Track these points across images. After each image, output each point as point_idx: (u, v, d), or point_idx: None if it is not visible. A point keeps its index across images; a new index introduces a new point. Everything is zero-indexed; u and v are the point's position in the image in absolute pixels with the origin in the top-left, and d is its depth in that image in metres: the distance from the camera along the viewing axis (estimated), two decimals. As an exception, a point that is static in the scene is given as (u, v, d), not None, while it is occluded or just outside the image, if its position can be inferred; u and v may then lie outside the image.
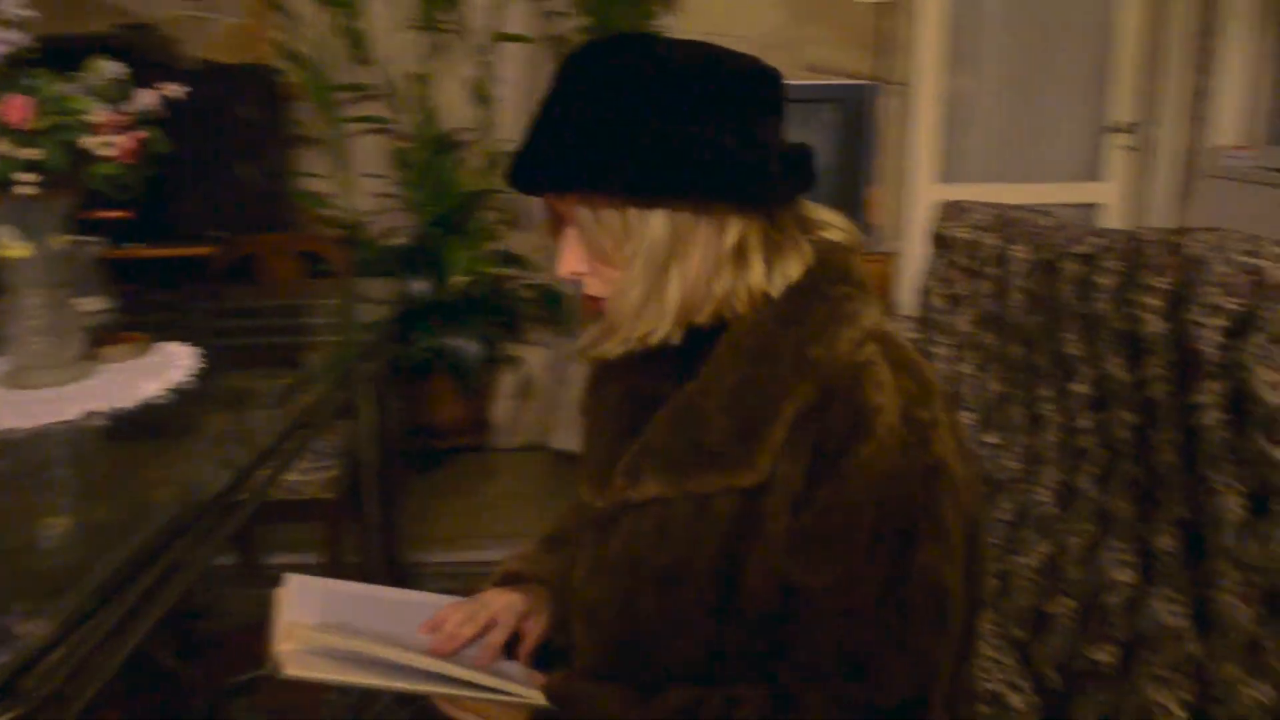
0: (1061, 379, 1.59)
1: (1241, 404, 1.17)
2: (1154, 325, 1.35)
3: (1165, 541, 1.26)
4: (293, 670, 0.86)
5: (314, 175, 3.41)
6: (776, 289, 0.91)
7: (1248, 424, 1.14)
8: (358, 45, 3.35)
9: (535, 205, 3.53)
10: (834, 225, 0.96)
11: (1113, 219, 3.82)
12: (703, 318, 0.93)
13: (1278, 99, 3.38)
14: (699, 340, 0.93)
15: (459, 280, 3.19)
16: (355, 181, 3.47)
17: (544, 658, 1.06)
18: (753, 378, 0.88)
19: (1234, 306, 1.22)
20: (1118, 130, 3.75)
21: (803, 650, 0.86)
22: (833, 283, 0.92)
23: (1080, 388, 1.54)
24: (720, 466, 0.87)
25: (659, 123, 0.86)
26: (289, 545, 2.59)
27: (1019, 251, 1.87)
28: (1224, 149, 3.45)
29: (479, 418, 3.65)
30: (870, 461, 0.83)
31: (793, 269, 0.92)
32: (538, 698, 0.91)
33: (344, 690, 1.08)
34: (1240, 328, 1.19)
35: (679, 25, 3.28)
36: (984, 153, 3.78)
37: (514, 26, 3.40)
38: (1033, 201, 3.82)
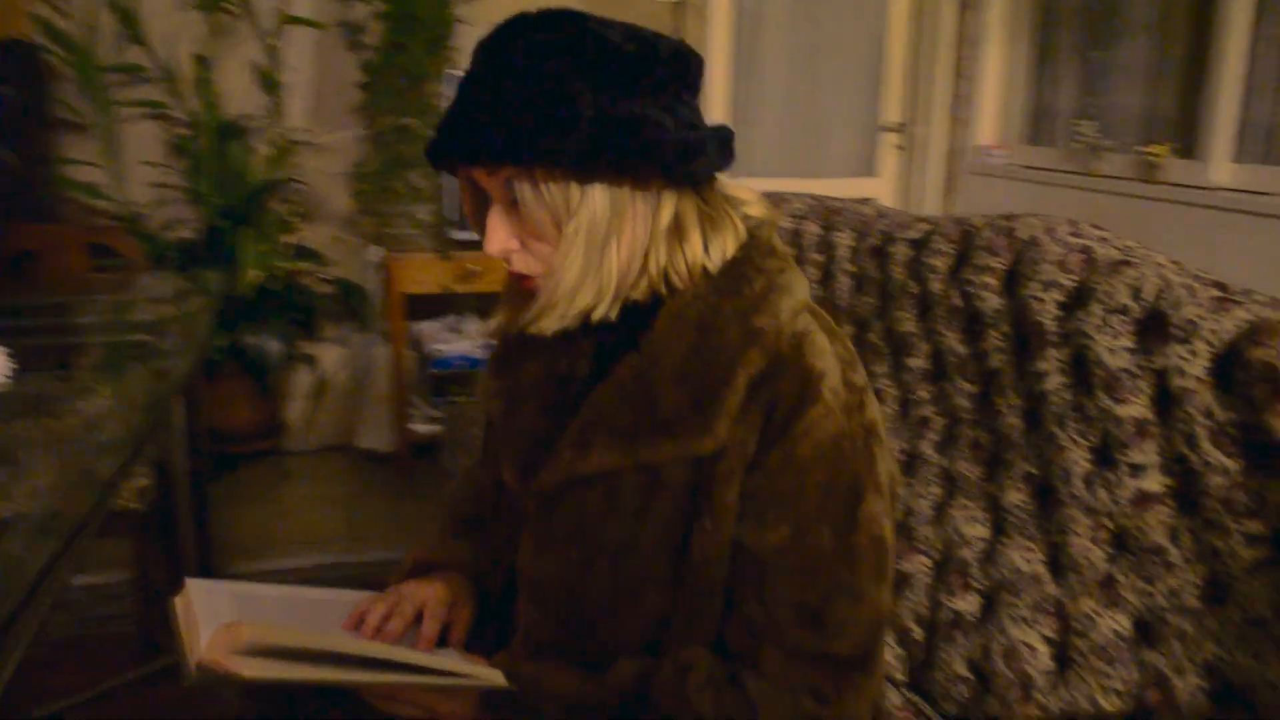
0: (897, 355, 1.70)
1: (1083, 368, 1.29)
2: (992, 301, 1.47)
3: (1014, 497, 1.38)
4: (250, 673, 0.80)
5: (83, 163, 3.13)
6: (714, 263, 0.93)
7: (1091, 386, 1.27)
8: (129, 23, 3.11)
9: (330, 197, 3.40)
10: (752, 201, 1.00)
11: (885, 213, 4.09)
12: (638, 293, 0.94)
13: (1029, 103, 3.73)
14: (632, 315, 0.94)
15: (254, 275, 3.02)
16: (130, 170, 3.21)
17: (473, 645, 1.03)
18: (702, 348, 0.90)
19: (1069, 282, 1.35)
20: (889, 130, 4.03)
21: (756, 608, 0.89)
22: (764, 256, 0.95)
23: (916, 362, 1.65)
24: (675, 435, 0.89)
25: (603, 99, 0.86)
26: (92, 564, 2.38)
27: (843, 238, 1.97)
28: (983, 148, 3.78)
29: (273, 419, 3.48)
30: (818, 423, 0.87)
31: (729, 243, 0.94)
32: (498, 678, 0.89)
33: (268, 692, 1.01)
34: (1076, 300, 1.32)
35: (477, 14, 3.24)
36: (768, 149, 3.95)
37: (302, 10, 3.25)
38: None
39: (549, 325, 0.92)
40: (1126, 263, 1.30)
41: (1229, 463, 1.10)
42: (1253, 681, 1.04)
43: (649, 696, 0.89)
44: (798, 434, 0.87)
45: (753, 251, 0.95)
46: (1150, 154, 2.94)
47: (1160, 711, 1.12)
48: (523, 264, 0.93)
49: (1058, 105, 3.60)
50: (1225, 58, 2.77)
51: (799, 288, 0.94)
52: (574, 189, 0.87)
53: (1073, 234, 1.41)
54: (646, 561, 0.91)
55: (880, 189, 4.09)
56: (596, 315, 0.92)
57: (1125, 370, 1.23)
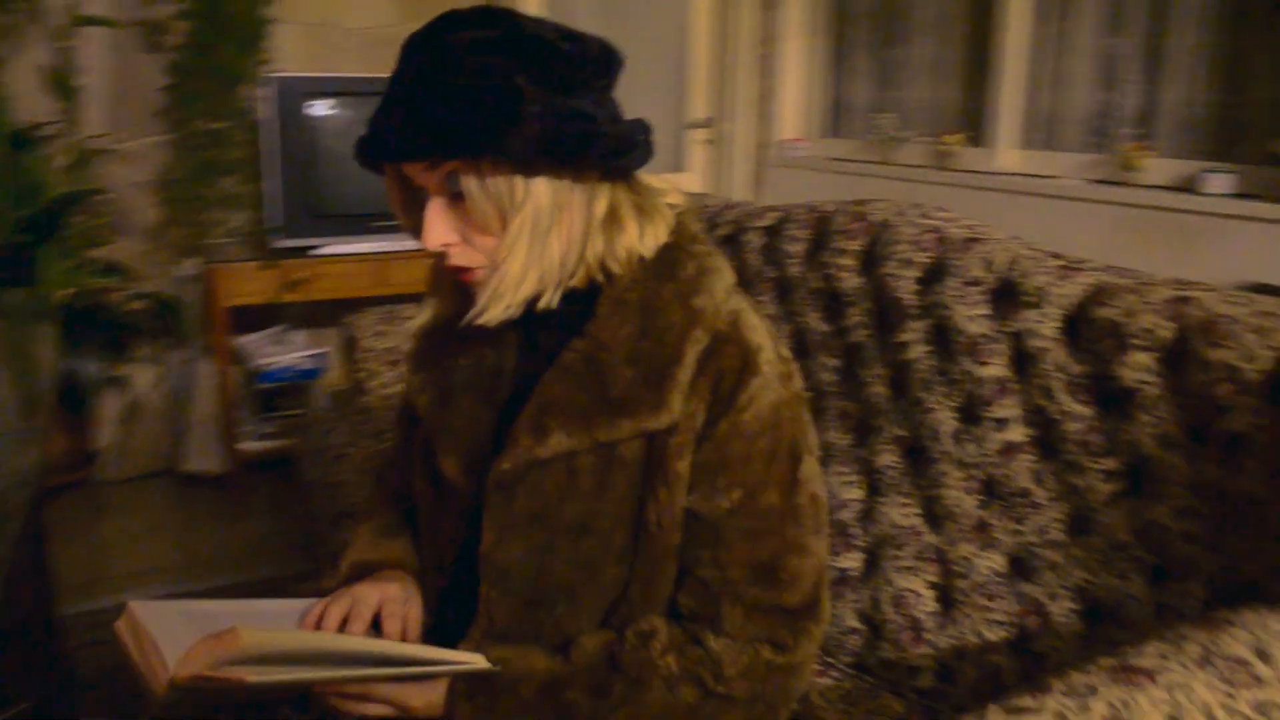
0: (758, 336, 1.80)
1: (944, 336, 1.42)
2: (850, 281, 1.58)
3: (886, 459, 1.49)
4: (254, 679, 0.79)
5: None
6: (649, 250, 0.98)
7: (953, 352, 1.40)
8: (-108, 24, 2.85)
9: (139, 208, 3.22)
10: (671, 191, 1.05)
11: (697, 206, 4.24)
12: (576, 280, 0.98)
13: (827, 98, 3.96)
14: (569, 303, 0.98)
15: (60, 294, 2.83)
16: (-98, 185, 2.94)
17: (425, 640, 1.04)
18: (648, 329, 0.95)
19: (925, 259, 1.48)
20: (697, 126, 4.18)
21: (712, 570, 0.95)
22: (692, 241, 1.01)
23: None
24: (630, 413, 0.93)
25: (546, 95, 0.90)
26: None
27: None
28: (787, 142, 3.98)
29: (83, 448, 3.26)
30: (759, 393, 0.94)
31: (660, 231, 0.99)
32: (480, 660, 0.91)
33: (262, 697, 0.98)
34: (933, 276, 1.45)
35: (286, 14, 3.14)
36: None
37: (97, 9, 3.06)
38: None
39: (496, 315, 0.94)
40: (976, 239, 1.43)
41: (1083, 410, 1.25)
42: (1119, 599, 1.19)
43: (617, 667, 0.94)
44: (742, 404, 0.93)
45: (681, 238, 1.00)
46: (945, 144, 3.19)
47: (1040, 635, 1.25)
48: (463, 257, 0.95)
49: (855, 99, 3.83)
50: (1008, 54, 3.04)
51: (726, 270, 1.00)
52: (519, 182, 0.90)
53: (922, 216, 1.54)
54: (605, 537, 0.96)
55: (690, 184, 4.23)
56: (542, 303, 0.96)
57: (984, 335, 1.36)
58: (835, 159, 3.81)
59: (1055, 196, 2.86)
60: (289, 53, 3.23)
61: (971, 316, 1.38)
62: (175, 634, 0.90)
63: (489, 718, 0.91)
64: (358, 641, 0.92)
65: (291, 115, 2.95)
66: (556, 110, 0.90)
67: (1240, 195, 2.45)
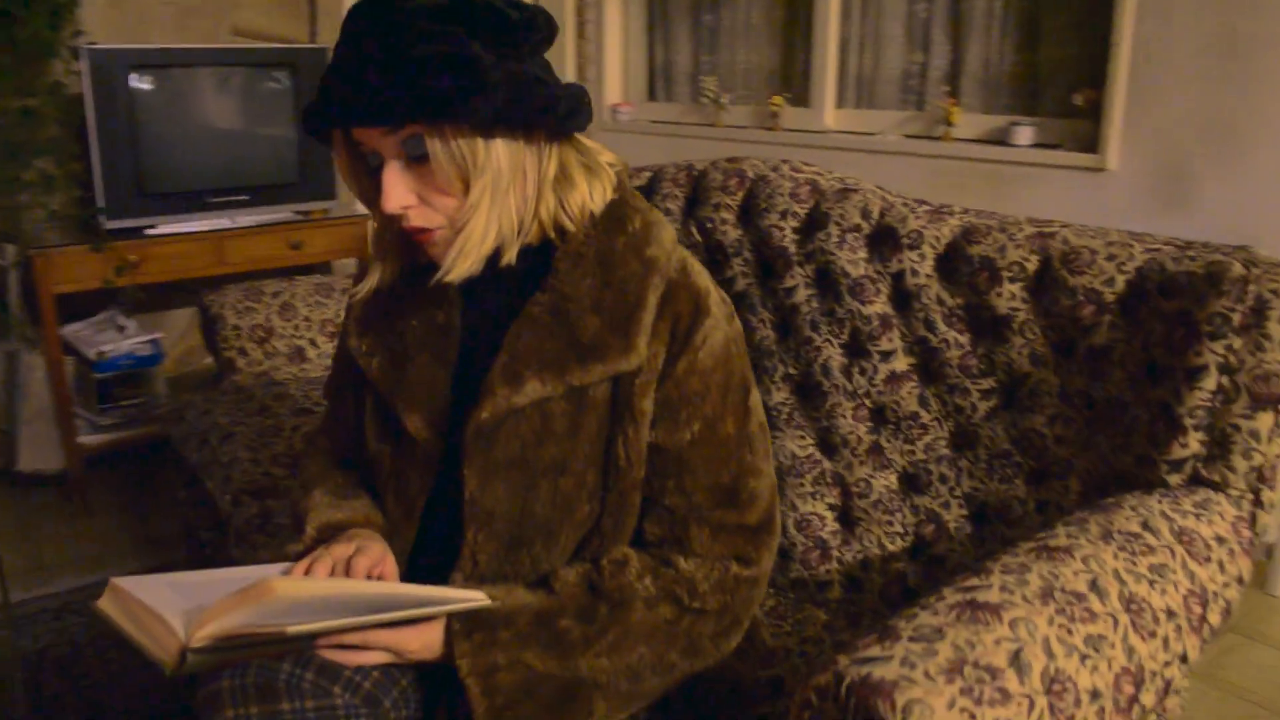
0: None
1: (828, 279, 1.54)
2: (731, 234, 1.69)
3: (779, 396, 1.61)
4: (293, 629, 0.81)
5: None
6: (597, 206, 1.04)
7: (838, 293, 1.52)
8: None
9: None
10: (604, 150, 1.11)
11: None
12: (531, 237, 1.03)
13: (649, 64, 4.06)
14: (523, 259, 1.03)
15: None
16: None
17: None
18: (609, 280, 1.01)
19: (803, 210, 1.60)
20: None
21: (677, 498, 1.03)
22: (633, 197, 1.07)
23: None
24: (601, 357, 0.99)
25: (501, 61, 0.94)
26: None
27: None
28: (614, 106, 4.06)
29: (-110, 456, 3.02)
30: (711, 333, 1.02)
31: (607, 188, 1.06)
32: (482, 598, 0.95)
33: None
34: (814, 224, 1.57)
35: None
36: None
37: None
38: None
39: (462, 272, 0.99)
40: (849, 190, 1.56)
41: (961, 338, 1.40)
42: (1004, 500, 1.35)
43: (599, 593, 1.01)
44: (697, 344, 1.01)
45: (624, 193, 1.07)
46: (773, 105, 3.35)
47: (937, 541, 1.40)
48: (421, 218, 0.99)
49: (677, 63, 3.95)
50: (826, 19, 3.22)
51: (666, 222, 1.08)
52: (479, 144, 0.95)
53: (794, 170, 1.66)
54: (579, 476, 1.02)
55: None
56: (504, 260, 1.01)
57: (866, 277, 1.49)
58: (661, 122, 3.92)
59: (878, 151, 3.07)
60: (101, 25, 3.06)
61: (853, 260, 1.51)
62: (172, 602, 0.91)
63: (489, 652, 0.96)
64: (377, 586, 0.95)
65: (110, 90, 2.79)
66: (515, 76, 0.95)
67: (1044, 146, 2.70)
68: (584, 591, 1.01)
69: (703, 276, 1.05)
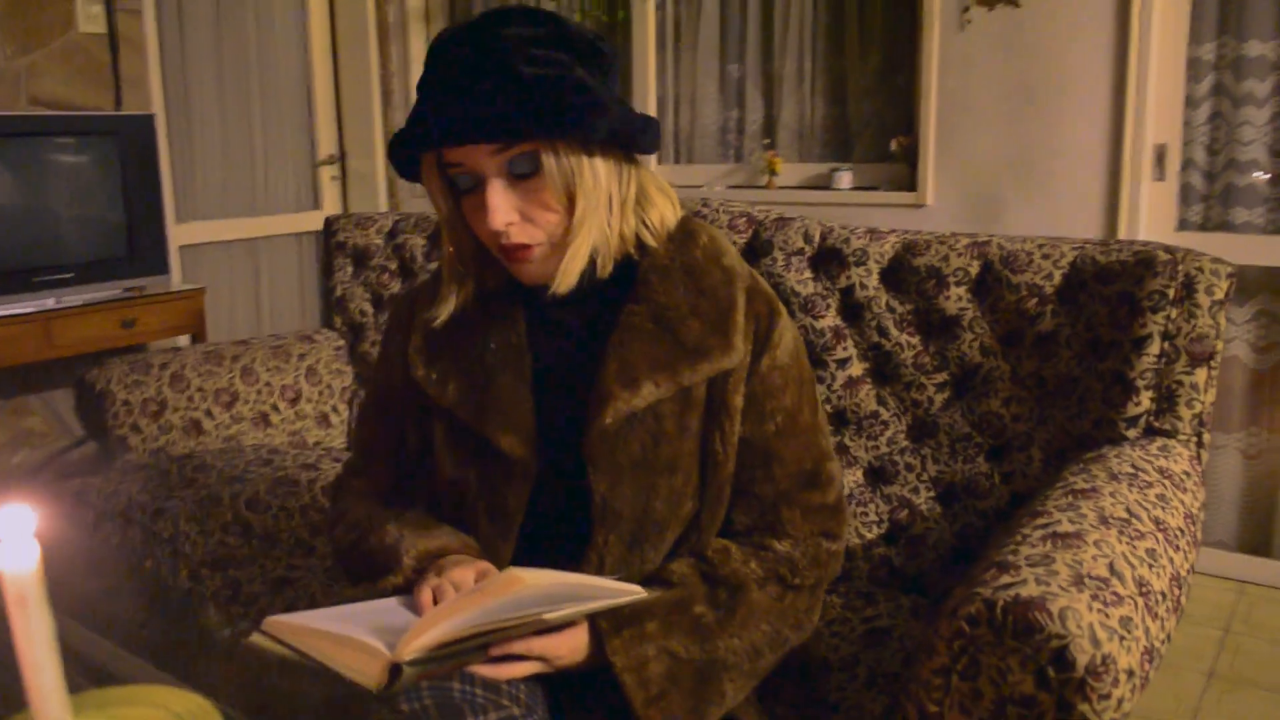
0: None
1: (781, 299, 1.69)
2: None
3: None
4: (551, 616, 0.84)
5: None
6: (672, 224, 1.14)
7: (790, 311, 1.67)
8: None
9: None
10: (659, 175, 1.22)
11: (334, 243, 4.21)
12: (615, 254, 1.11)
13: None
14: (591, 277, 1.11)
15: None
16: None
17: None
18: (701, 288, 1.10)
19: (743, 239, 1.75)
20: (326, 163, 4.16)
21: (767, 486, 1.12)
22: (692, 215, 1.18)
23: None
24: (706, 357, 1.08)
25: (601, 86, 1.04)
26: None
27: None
28: (425, 172, 4.10)
29: None
30: (784, 333, 1.14)
31: (676, 207, 1.15)
32: (638, 590, 0.99)
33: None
34: (757, 251, 1.72)
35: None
36: (210, 191, 3.83)
37: None
38: (263, 234, 4.04)
39: (569, 284, 1.06)
40: (787, 219, 1.73)
41: (913, 339, 1.58)
42: (970, 478, 1.53)
43: (716, 580, 1.08)
44: (775, 342, 1.13)
45: (687, 213, 1.18)
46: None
47: (911, 523, 1.57)
48: (523, 235, 1.05)
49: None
50: (644, 79, 3.44)
51: (724, 235, 1.19)
52: (584, 161, 1.03)
53: (725, 206, 1.82)
54: (686, 473, 1.10)
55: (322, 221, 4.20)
56: (604, 271, 1.09)
57: (816, 294, 1.66)
58: (477, 186, 3.99)
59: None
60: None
61: (801, 280, 1.67)
62: (352, 628, 0.91)
63: (640, 645, 1.01)
64: (568, 577, 0.97)
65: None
66: (617, 99, 1.04)
67: (863, 188, 3.02)
68: (701, 580, 1.09)
69: (764, 284, 1.17)
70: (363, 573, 1.17)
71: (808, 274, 1.67)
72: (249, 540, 1.70)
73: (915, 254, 1.59)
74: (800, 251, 1.69)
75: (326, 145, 4.15)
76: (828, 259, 1.66)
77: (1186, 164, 2.58)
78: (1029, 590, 0.94)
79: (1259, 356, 2.58)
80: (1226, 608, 2.43)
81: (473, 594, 0.89)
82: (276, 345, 2.28)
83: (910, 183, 2.89)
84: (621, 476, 1.08)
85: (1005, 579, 0.97)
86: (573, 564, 1.09)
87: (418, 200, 4.09)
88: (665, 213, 1.14)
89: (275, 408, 2.21)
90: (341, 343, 2.37)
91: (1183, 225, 2.58)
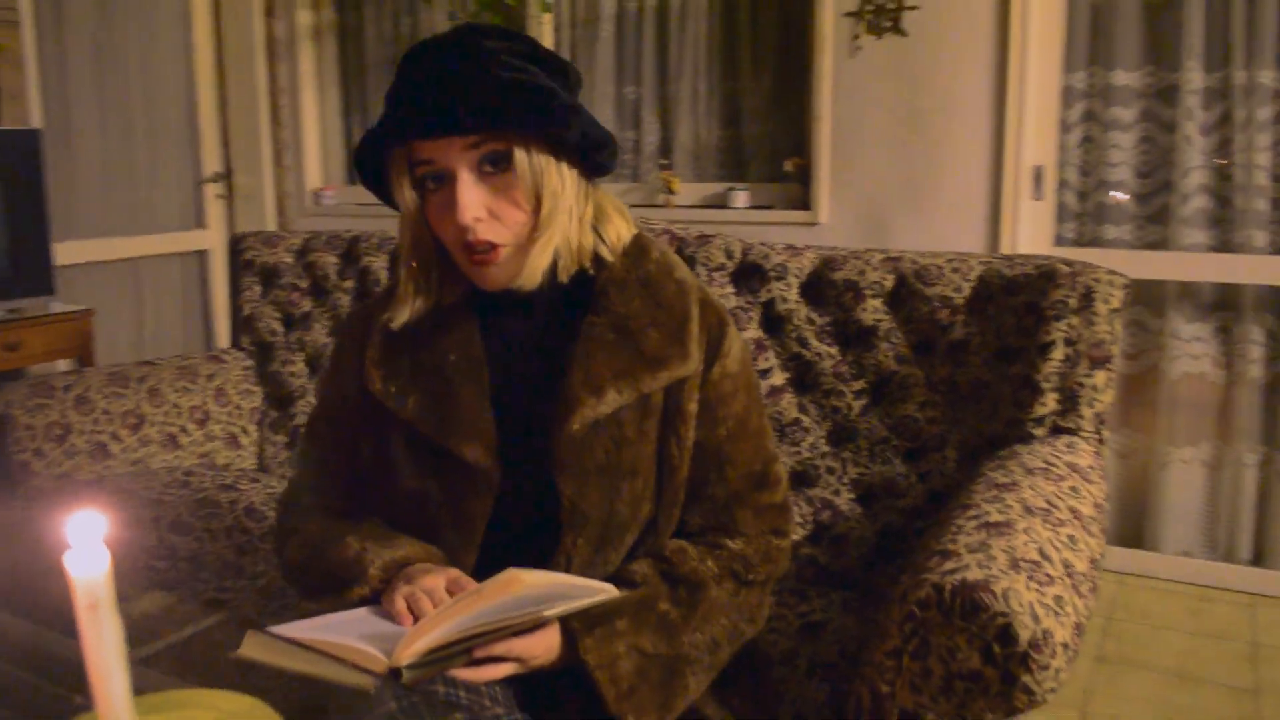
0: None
1: (700, 313, 1.76)
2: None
3: (659, 423, 1.79)
4: (550, 613, 0.87)
5: None
6: (627, 239, 1.19)
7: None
8: None
9: None
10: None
11: (218, 261, 4.12)
12: (573, 264, 1.16)
13: (346, 148, 4.10)
14: (552, 289, 1.16)
15: None
16: None
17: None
18: (657, 300, 1.15)
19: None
20: (212, 180, 4.06)
21: (719, 488, 1.18)
22: (644, 233, 1.23)
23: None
24: (665, 365, 1.12)
25: (569, 96, 1.09)
26: None
27: (378, 261, 2.20)
28: (316, 191, 4.05)
29: None
30: (733, 342, 1.20)
31: (630, 224, 1.20)
32: (611, 589, 1.03)
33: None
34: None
35: None
36: (90, 210, 3.71)
37: None
38: (146, 253, 3.92)
39: (533, 281, 1.12)
40: (708, 236, 1.80)
41: (832, 349, 1.67)
42: (889, 478, 1.62)
43: (675, 578, 1.13)
44: (725, 351, 1.19)
45: (638, 229, 1.23)
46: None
47: (834, 524, 1.65)
48: (490, 232, 1.08)
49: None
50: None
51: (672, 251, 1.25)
52: (553, 164, 1.09)
53: (646, 224, 1.88)
54: (645, 477, 1.14)
55: (210, 240, 4.11)
56: (565, 276, 1.14)
57: (739, 307, 1.73)
58: (371, 204, 3.96)
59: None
60: None
61: (723, 294, 1.74)
62: (339, 635, 0.93)
63: (611, 643, 1.05)
64: (553, 576, 1.00)
65: None
66: (584, 113, 1.10)
67: (759, 207, 3.13)
68: (662, 579, 1.13)
69: (712, 296, 1.23)
70: (322, 587, 1.17)
71: (730, 288, 1.74)
72: (175, 564, 1.67)
73: (833, 269, 1.68)
74: (722, 267, 1.76)
75: (212, 163, 4.06)
76: (749, 274, 1.74)
77: (1062, 184, 2.76)
78: (973, 574, 1.02)
79: (1129, 363, 2.78)
80: (1109, 597, 2.60)
81: (471, 596, 0.91)
82: (183, 365, 2.23)
83: (804, 202, 3.01)
84: (588, 480, 1.12)
85: (949, 565, 1.05)
86: (539, 568, 1.12)
87: (307, 219, 4.04)
88: (621, 230, 1.19)
89: (184, 429, 2.16)
90: (250, 363, 2.33)
91: (1059, 241, 2.77)
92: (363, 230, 2.31)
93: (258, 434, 2.28)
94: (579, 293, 1.17)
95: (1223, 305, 2.65)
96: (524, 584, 0.90)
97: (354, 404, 1.23)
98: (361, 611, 1.07)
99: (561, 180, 1.09)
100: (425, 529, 1.18)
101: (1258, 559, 2.68)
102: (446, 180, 1.08)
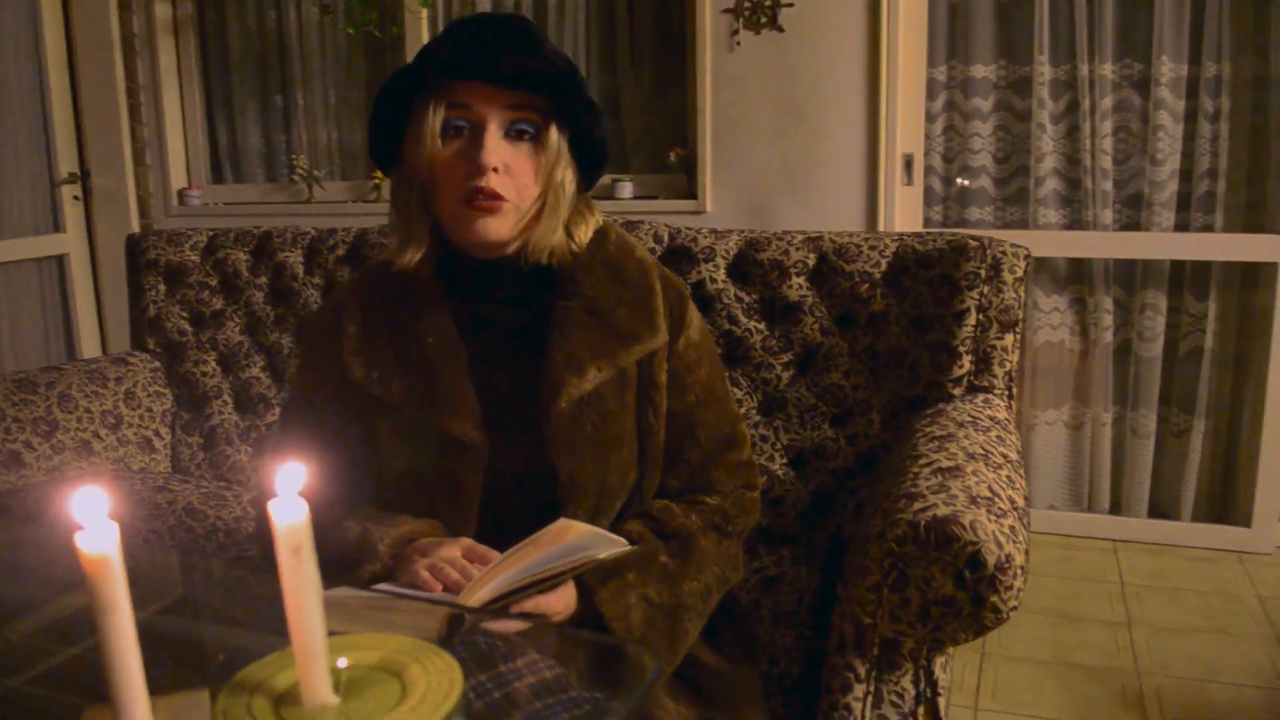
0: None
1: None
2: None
3: (595, 403, 1.88)
4: (603, 555, 0.97)
5: None
6: (591, 233, 1.27)
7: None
8: None
9: None
10: None
11: (78, 266, 3.95)
12: (541, 256, 1.23)
13: (210, 146, 3.99)
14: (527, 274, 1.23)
15: None
16: None
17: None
18: (622, 279, 1.23)
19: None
20: (68, 182, 3.89)
21: (694, 451, 1.27)
22: (605, 222, 1.31)
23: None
24: (637, 340, 1.20)
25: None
26: None
27: (293, 256, 2.20)
28: (181, 191, 3.93)
29: None
30: (692, 314, 1.29)
31: (598, 217, 1.28)
32: (622, 541, 1.10)
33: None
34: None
35: None
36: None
37: None
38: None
39: (543, 254, 1.21)
40: (636, 222, 1.90)
41: (760, 325, 1.79)
42: (818, 443, 1.75)
43: (666, 534, 1.22)
44: (688, 324, 1.29)
45: (602, 219, 1.31)
46: (375, 179, 3.54)
47: (770, 488, 1.77)
48: (500, 185, 1.15)
49: (247, 144, 3.95)
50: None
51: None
52: (566, 156, 1.18)
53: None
54: (630, 446, 1.23)
55: (69, 244, 3.93)
56: (555, 260, 1.21)
57: (669, 289, 1.83)
58: (240, 203, 3.89)
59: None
60: None
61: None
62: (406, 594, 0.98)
63: (624, 594, 1.13)
64: (601, 530, 1.07)
65: None
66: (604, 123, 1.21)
67: (643, 197, 3.24)
68: (655, 535, 1.22)
69: (669, 272, 1.33)
70: (326, 573, 1.21)
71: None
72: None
73: (758, 250, 1.80)
74: (652, 250, 1.85)
75: (67, 163, 3.89)
76: (678, 256, 1.84)
77: (928, 170, 2.98)
78: (941, 510, 1.15)
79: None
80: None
81: (528, 546, 0.98)
82: (91, 369, 2.18)
83: (689, 191, 3.14)
84: (581, 455, 1.19)
85: (918, 505, 1.18)
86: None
87: (172, 219, 3.92)
88: (595, 224, 1.27)
89: (97, 435, 2.11)
90: (157, 364, 2.29)
91: (927, 224, 2.99)
92: (274, 226, 2.29)
93: (170, 437, 2.25)
94: (541, 274, 1.24)
95: (1076, 278, 2.93)
96: (576, 530, 0.97)
97: (332, 396, 1.27)
98: (383, 586, 1.12)
99: (565, 174, 1.18)
100: (420, 508, 1.23)
101: (1115, 508, 2.96)
102: (468, 132, 1.15)
